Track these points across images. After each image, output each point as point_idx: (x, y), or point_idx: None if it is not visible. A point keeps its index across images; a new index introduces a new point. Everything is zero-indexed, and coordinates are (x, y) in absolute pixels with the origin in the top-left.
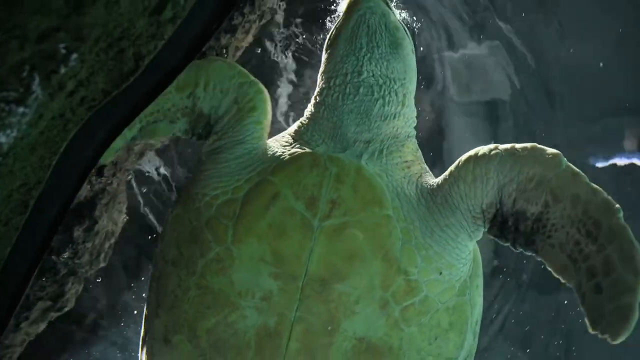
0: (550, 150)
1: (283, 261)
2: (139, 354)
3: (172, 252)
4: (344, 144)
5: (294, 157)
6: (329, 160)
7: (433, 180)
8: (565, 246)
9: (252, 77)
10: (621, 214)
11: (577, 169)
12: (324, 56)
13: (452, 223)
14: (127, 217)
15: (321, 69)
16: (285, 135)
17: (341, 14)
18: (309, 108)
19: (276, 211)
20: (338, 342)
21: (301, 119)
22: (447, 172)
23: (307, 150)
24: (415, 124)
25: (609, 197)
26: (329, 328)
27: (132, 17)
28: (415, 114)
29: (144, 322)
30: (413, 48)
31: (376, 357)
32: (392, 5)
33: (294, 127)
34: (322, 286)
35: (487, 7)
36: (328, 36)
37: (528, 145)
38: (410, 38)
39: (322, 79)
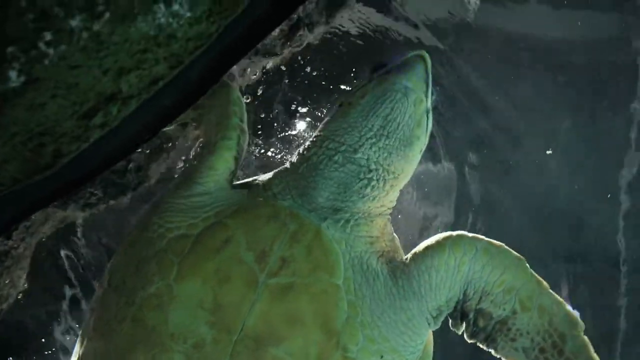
0: (515, 254)
1: (221, 310)
2: None
3: (117, 277)
4: (312, 205)
5: (254, 205)
6: (289, 216)
7: (399, 259)
8: (530, 352)
9: (234, 120)
10: (583, 330)
11: (539, 277)
12: (334, 109)
13: (408, 307)
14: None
15: (322, 123)
16: (257, 180)
17: (378, 76)
18: (292, 158)
19: (225, 256)
20: None
21: (280, 168)
22: (415, 255)
23: (270, 201)
24: (391, 208)
25: (570, 310)
26: None
27: (58, 118)
28: (394, 203)
29: (78, 340)
30: (423, 147)
31: None
32: (429, 91)
33: (269, 174)
34: (256, 346)
35: None
36: (352, 88)
37: (498, 243)
38: (427, 133)
39: (317, 135)
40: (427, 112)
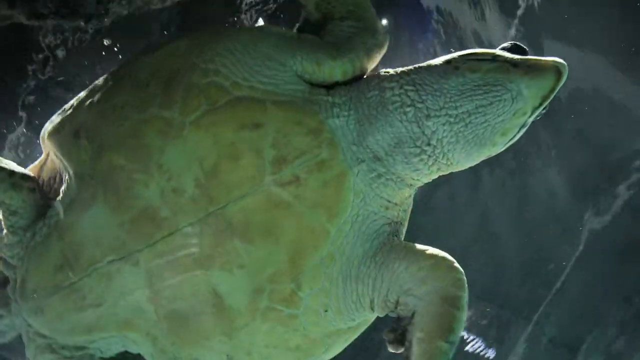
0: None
1: (215, 179)
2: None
3: (144, 74)
4: (359, 138)
5: (304, 108)
6: (328, 142)
7: (398, 236)
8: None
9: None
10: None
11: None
12: (439, 61)
13: (369, 283)
14: None
15: (417, 65)
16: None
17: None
18: (371, 76)
19: (247, 137)
20: (197, 280)
21: (353, 78)
22: (410, 248)
23: (322, 114)
24: (417, 187)
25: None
26: (200, 265)
27: None
28: (430, 180)
29: (76, 99)
30: (491, 155)
31: (217, 317)
32: (540, 109)
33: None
34: (225, 229)
35: None
36: (474, 54)
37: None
38: (505, 146)
39: (405, 73)
40: (521, 127)
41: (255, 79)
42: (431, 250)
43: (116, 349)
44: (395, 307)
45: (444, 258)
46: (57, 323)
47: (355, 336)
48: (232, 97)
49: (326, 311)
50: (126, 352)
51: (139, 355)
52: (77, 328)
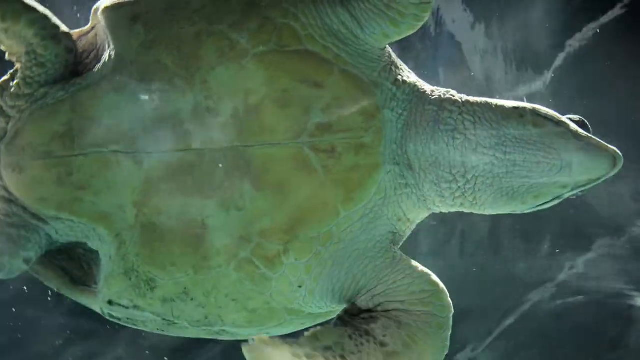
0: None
1: (254, 116)
2: None
3: None
4: (401, 141)
5: (370, 88)
6: (375, 131)
7: (395, 248)
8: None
9: None
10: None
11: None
12: (508, 102)
13: (359, 281)
14: None
15: (482, 98)
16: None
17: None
18: (441, 90)
19: (302, 88)
20: (191, 204)
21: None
22: (414, 269)
23: (383, 104)
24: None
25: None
26: (201, 192)
27: None
28: (448, 212)
29: None
30: (515, 212)
31: (193, 248)
32: (580, 189)
33: (412, 74)
34: (241, 169)
35: None
36: (542, 111)
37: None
38: (532, 209)
39: (469, 103)
40: (555, 198)
41: (331, 41)
42: (434, 277)
43: (73, 237)
44: (373, 309)
45: (443, 290)
46: (31, 187)
47: (311, 325)
48: (303, 49)
49: (300, 287)
50: (78, 244)
51: (88, 252)
52: (49, 200)
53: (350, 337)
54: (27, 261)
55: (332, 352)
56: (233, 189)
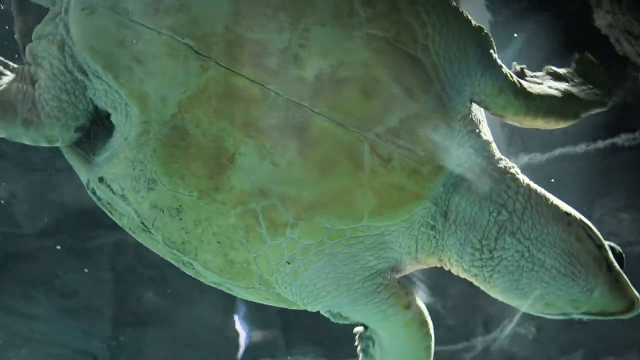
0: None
1: (334, 88)
2: None
3: None
4: (450, 187)
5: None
6: (438, 164)
7: (395, 275)
8: None
9: None
10: None
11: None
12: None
13: (344, 294)
14: None
15: (543, 193)
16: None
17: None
18: (502, 161)
19: (392, 88)
20: (229, 134)
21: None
22: (408, 297)
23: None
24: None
25: None
26: (246, 127)
27: None
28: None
29: None
30: (519, 307)
31: (210, 172)
32: (589, 317)
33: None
34: (295, 129)
35: None
36: (597, 235)
37: None
38: (538, 313)
39: (527, 190)
40: (563, 314)
41: (443, 63)
42: (415, 319)
43: (103, 103)
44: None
45: (429, 333)
46: (92, 34)
47: (275, 304)
48: (413, 55)
49: (288, 263)
50: (108, 115)
51: (102, 125)
52: (101, 55)
53: None
54: (79, 129)
55: None
56: (278, 143)
